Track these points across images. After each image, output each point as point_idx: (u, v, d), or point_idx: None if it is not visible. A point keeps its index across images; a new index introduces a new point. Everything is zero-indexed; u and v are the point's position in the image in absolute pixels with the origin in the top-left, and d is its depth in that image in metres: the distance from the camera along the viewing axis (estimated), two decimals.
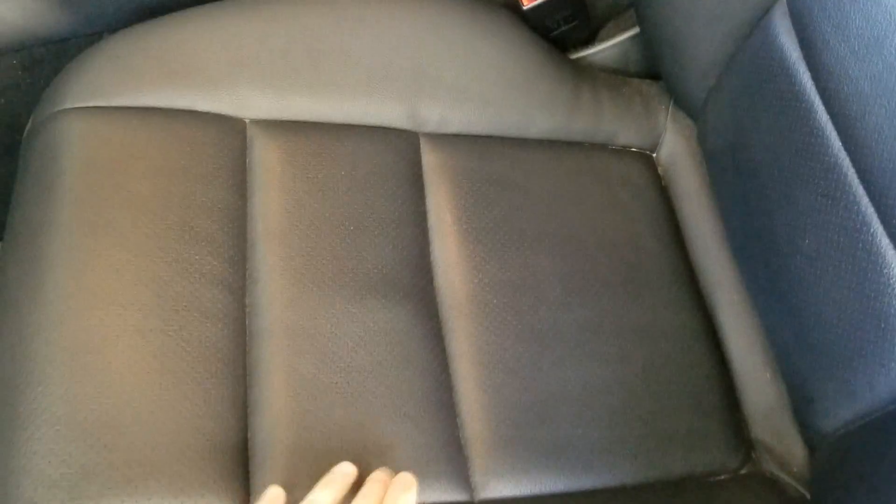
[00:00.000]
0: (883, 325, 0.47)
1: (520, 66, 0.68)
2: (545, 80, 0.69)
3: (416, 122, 0.64)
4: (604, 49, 0.76)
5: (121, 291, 0.50)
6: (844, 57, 0.46)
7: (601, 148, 0.71)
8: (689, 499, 0.57)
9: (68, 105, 0.56)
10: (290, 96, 0.61)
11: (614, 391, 0.58)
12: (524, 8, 0.71)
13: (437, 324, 0.57)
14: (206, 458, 0.47)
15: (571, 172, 0.67)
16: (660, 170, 0.73)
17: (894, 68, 0.43)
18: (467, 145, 0.65)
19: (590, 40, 0.79)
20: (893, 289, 0.46)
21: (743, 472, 0.60)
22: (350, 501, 0.45)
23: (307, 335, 0.53)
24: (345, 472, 0.48)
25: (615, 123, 0.71)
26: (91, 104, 0.56)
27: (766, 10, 0.54)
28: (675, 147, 0.72)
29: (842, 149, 0.48)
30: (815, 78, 0.50)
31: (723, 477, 0.59)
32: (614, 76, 0.76)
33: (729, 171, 0.62)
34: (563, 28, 0.75)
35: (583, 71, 0.74)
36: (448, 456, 0.52)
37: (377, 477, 0.47)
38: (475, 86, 0.66)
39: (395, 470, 0.48)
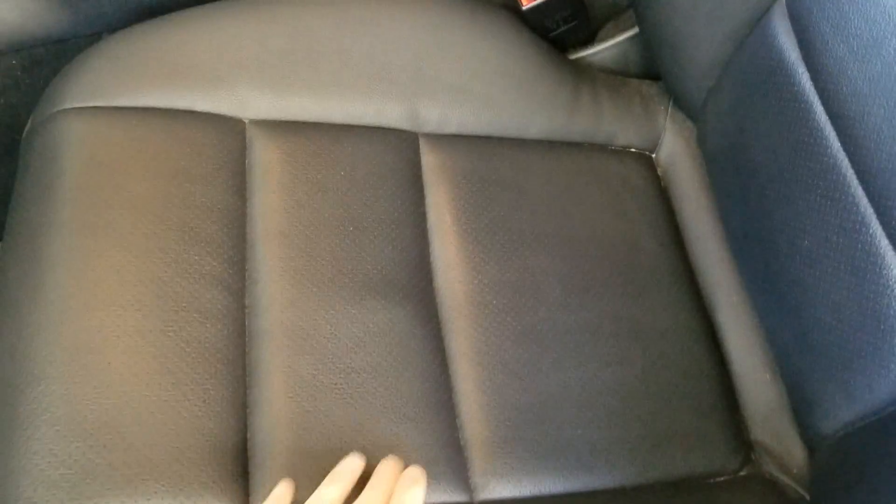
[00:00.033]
0: (882, 327, 0.47)
1: (519, 66, 0.68)
2: (545, 80, 0.69)
3: (416, 123, 0.64)
4: (603, 49, 0.76)
5: (120, 292, 0.50)
6: (843, 57, 0.46)
7: (601, 148, 0.71)
8: (689, 500, 0.57)
9: (68, 105, 0.56)
10: (289, 97, 0.61)
11: (614, 392, 0.58)
12: (523, 8, 0.71)
13: (436, 324, 0.57)
14: (206, 458, 0.47)
15: (571, 173, 0.67)
16: (659, 170, 0.73)
17: (893, 69, 0.43)
18: (467, 146, 0.65)
19: (589, 41, 0.79)
20: (892, 290, 0.46)
21: (742, 473, 0.60)
22: (359, 494, 0.45)
23: (306, 336, 0.53)
24: (352, 466, 0.48)
25: (615, 124, 0.71)
26: (90, 104, 0.56)
27: (766, 11, 0.54)
28: (674, 148, 0.72)
29: (841, 149, 0.48)
30: (814, 78, 0.50)
31: (722, 478, 0.59)
32: (614, 77, 0.76)
33: (728, 172, 0.62)
34: (563, 28, 0.75)
35: (582, 71, 0.74)
36: (447, 456, 0.52)
37: (385, 468, 0.48)
38: (475, 86, 0.66)
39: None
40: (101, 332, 0.48)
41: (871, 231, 0.47)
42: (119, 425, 0.46)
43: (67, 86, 0.58)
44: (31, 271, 0.51)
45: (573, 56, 0.77)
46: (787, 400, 0.61)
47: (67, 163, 0.54)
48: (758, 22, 0.55)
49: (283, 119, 0.61)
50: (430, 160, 0.64)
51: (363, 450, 0.50)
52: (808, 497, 0.58)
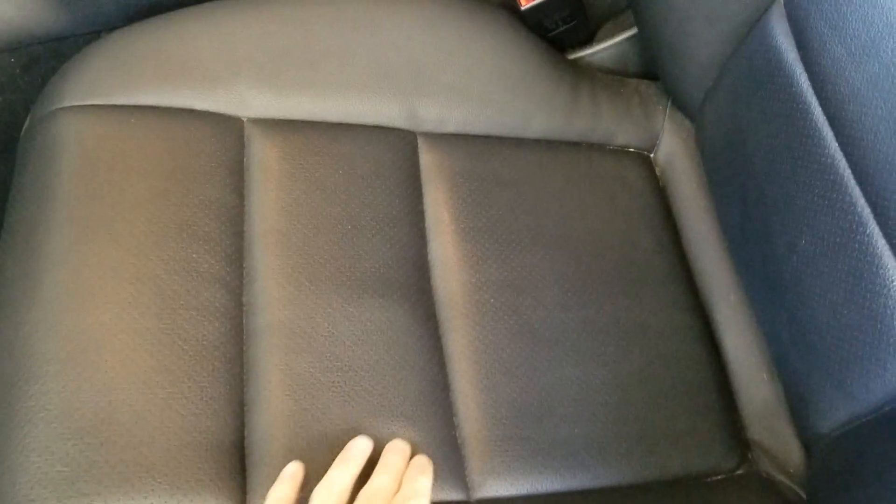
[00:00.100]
0: (879, 327, 0.47)
1: (518, 66, 0.68)
2: (543, 80, 0.69)
3: (414, 122, 0.64)
4: (602, 49, 0.76)
5: (118, 290, 0.50)
6: (841, 58, 0.46)
7: (599, 148, 0.71)
8: (686, 499, 0.57)
9: (66, 103, 0.56)
10: (288, 95, 0.61)
11: (611, 391, 0.58)
12: (522, 8, 0.71)
13: (433, 323, 0.57)
14: (203, 456, 0.47)
15: (569, 172, 0.67)
16: (657, 170, 0.73)
17: (890, 70, 0.43)
18: (465, 145, 0.65)
19: (588, 41, 0.79)
20: (889, 290, 0.46)
21: (739, 472, 0.60)
22: (366, 476, 0.47)
23: (304, 334, 0.53)
24: (360, 447, 0.48)
25: (613, 124, 0.71)
26: (89, 102, 0.56)
27: (764, 12, 0.54)
28: (672, 147, 0.72)
29: (838, 150, 0.48)
30: (812, 79, 0.50)
31: (719, 477, 0.59)
32: (612, 77, 0.76)
33: (726, 172, 0.63)
34: (562, 28, 0.75)
35: (581, 71, 0.74)
36: (444, 455, 0.52)
37: (394, 453, 0.49)
38: (473, 85, 0.66)
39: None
40: (99, 330, 0.48)
41: (868, 231, 0.47)
42: (116, 423, 0.46)
43: (66, 84, 0.58)
44: (29, 269, 0.51)
45: (572, 56, 0.77)
46: (784, 399, 0.61)
47: (65, 161, 0.54)
48: (756, 23, 0.55)
49: (281, 118, 0.61)
50: (428, 159, 0.64)
51: None
52: (804, 496, 0.58)
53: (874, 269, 0.47)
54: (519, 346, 0.58)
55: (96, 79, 0.58)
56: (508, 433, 0.54)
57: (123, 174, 0.54)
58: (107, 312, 0.49)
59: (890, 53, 0.43)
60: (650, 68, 0.77)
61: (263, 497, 0.48)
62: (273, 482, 0.48)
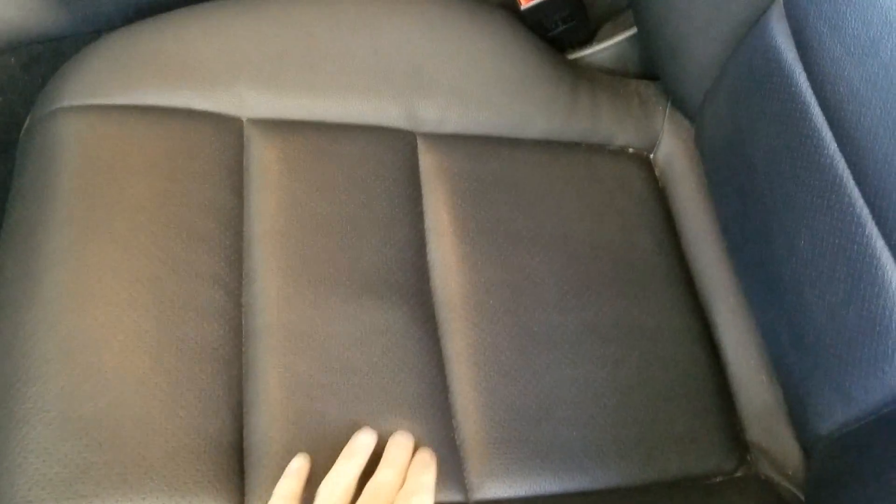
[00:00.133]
0: (877, 328, 0.47)
1: (517, 66, 0.68)
2: (543, 80, 0.69)
3: (414, 123, 0.64)
4: (602, 49, 0.76)
5: (117, 290, 0.50)
6: (840, 58, 0.46)
7: (598, 149, 0.71)
8: (684, 501, 0.57)
9: (66, 103, 0.56)
10: (287, 96, 0.61)
11: (609, 393, 0.58)
12: (522, 8, 0.71)
13: (433, 324, 0.57)
14: (202, 457, 0.47)
15: (568, 173, 0.67)
16: (657, 171, 0.73)
17: (889, 70, 0.43)
18: (465, 145, 0.65)
19: (588, 41, 0.79)
20: (888, 291, 0.46)
21: (738, 474, 0.60)
22: (372, 469, 0.47)
23: (303, 335, 0.53)
24: (364, 442, 0.49)
25: (613, 124, 0.71)
26: (88, 102, 0.56)
27: (763, 12, 0.54)
28: (672, 148, 0.72)
29: (837, 150, 0.48)
30: (811, 79, 0.50)
31: (718, 479, 0.59)
32: (612, 77, 0.76)
33: (725, 173, 0.63)
34: (561, 28, 0.75)
35: (581, 71, 0.74)
36: (443, 456, 0.52)
37: (397, 446, 0.49)
38: (473, 86, 0.66)
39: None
40: (98, 331, 0.48)
41: (867, 232, 0.47)
42: (115, 424, 0.46)
43: (66, 84, 0.58)
44: (28, 269, 0.51)
45: (571, 56, 0.77)
46: (783, 401, 0.61)
47: (65, 161, 0.54)
48: (755, 23, 0.55)
49: (280, 118, 0.61)
50: (427, 160, 0.64)
51: None
52: (803, 498, 0.58)
53: (873, 271, 0.46)
54: (518, 348, 0.57)
55: (96, 79, 0.58)
56: (507, 435, 0.54)
57: (123, 174, 0.54)
58: (106, 313, 0.49)
59: (889, 53, 0.43)
60: (650, 69, 0.77)
61: (262, 498, 0.48)
62: (271, 483, 0.48)
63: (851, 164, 0.47)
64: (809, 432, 0.56)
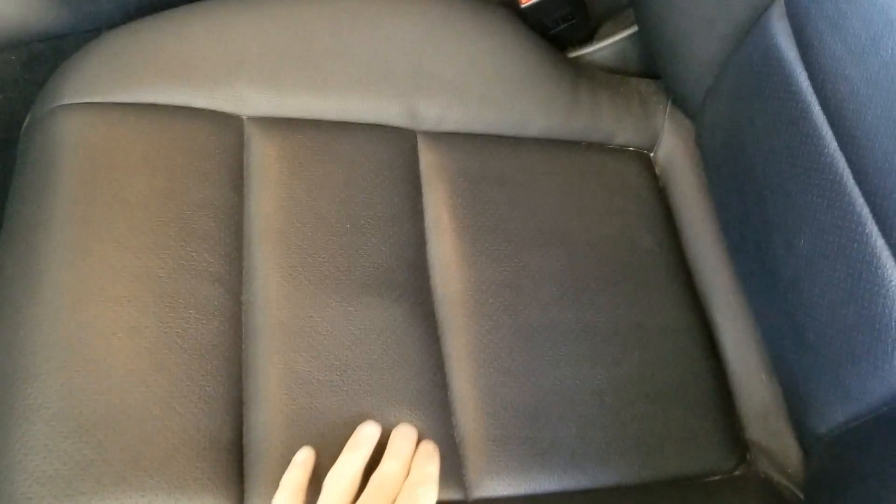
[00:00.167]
0: (877, 327, 0.47)
1: (518, 64, 0.68)
2: (543, 78, 0.69)
3: (414, 121, 0.64)
4: (602, 48, 0.76)
5: (117, 287, 0.50)
6: (841, 57, 0.46)
7: (599, 147, 0.71)
8: (684, 500, 0.57)
9: (66, 101, 0.56)
10: (287, 93, 0.61)
11: (609, 391, 0.58)
12: (522, 6, 0.71)
13: (432, 322, 0.57)
14: (201, 455, 0.47)
15: (569, 172, 0.67)
16: (657, 169, 0.73)
17: (890, 68, 0.43)
18: (465, 144, 0.65)
19: (588, 39, 0.79)
20: (888, 290, 0.46)
21: (737, 473, 0.60)
22: (377, 460, 0.48)
23: (303, 333, 0.53)
24: (369, 433, 0.49)
25: (613, 123, 0.71)
26: (89, 100, 0.56)
27: (764, 11, 0.54)
28: (672, 147, 0.72)
29: (837, 149, 0.48)
30: (812, 78, 0.50)
31: (717, 478, 0.59)
32: (612, 75, 0.76)
33: (725, 171, 0.62)
34: (562, 26, 0.75)
35: (581, 70, 0.74)
36: (442, 454, 0.52)
37: (402, 438, 0.50)
38: (473, 84, 0.66)
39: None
40: (98, 328, 0.48)
41: (866, 231, 0.47)
42: (114, 421, 0.46)
43: (66, 82, 0.58)
44: (28, 267, 0.51)
45: (572, 54, 0.77)
46: (782, 400, 0.61)
47: (65, 159, 0.54)
48: (756, 21, 0.55)
49: (281, 116, 0.61)
50: (428, 158, 0.64)
51: None
52: (802, 497, 0.58)
53: (872, 270, 0.46)
54: (517, 346, 0.57)
55: (96, 77, 0.58)
56: (506, 433, 0.54)
57: (123, 172, 0.54)
58: (106, 311, 0.49)
59: (889, 52, 0.43)
60: (650, 67, 0.77)
61: (261, 495, 0.48)
62: (271, 480, 0.48)
63: (851, 163, 0.47)
64: (809, 431, 0.56)
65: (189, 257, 0.53)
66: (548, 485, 0.54)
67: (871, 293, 0.47)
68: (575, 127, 0.70)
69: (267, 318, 0.53)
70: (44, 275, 0.50)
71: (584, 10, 0.76)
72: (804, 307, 0.53)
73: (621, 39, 0.76)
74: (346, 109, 0.62)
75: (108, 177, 0.53)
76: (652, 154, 0.73)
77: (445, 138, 0.65)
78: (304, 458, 0.48)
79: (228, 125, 0.59)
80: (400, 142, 0.63)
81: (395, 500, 0.46)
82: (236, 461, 0.49)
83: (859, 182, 0.47)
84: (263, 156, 0.59)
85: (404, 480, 0.47)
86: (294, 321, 0.53)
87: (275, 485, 0.48)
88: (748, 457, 0.61)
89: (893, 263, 0.45)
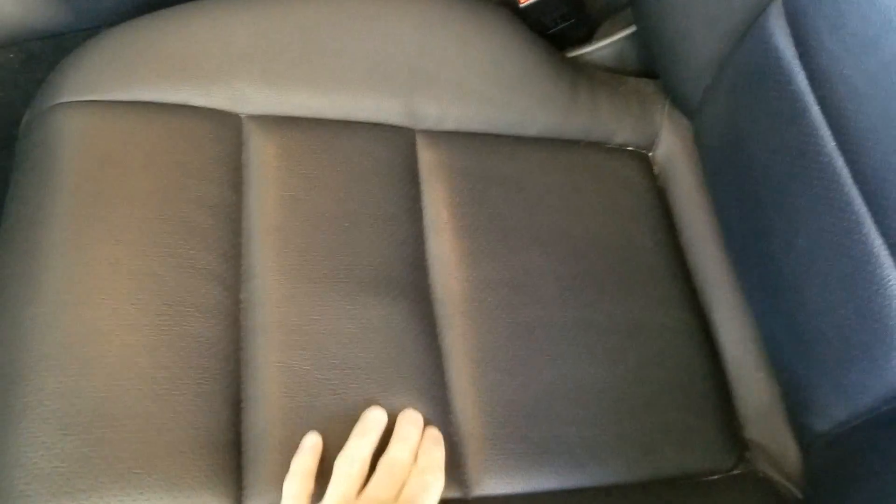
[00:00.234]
0: (876, 326, 0.47)
1: (517, 63, 0.68)
2: (542, 78, 0.69)
3: (413, 119, 0.64)
4: (601, 47, 0.76)
5: (115, 286, 0.50)
6: (839, 57, 0.46)
7: (597, 146, 0.71)
8: (682, 498, 0.57)
9: (65, 99, 0.56)
10: (286, 92, 0.61)
11: (608, 389, 0.58)
12: (521, 5, 0.71)
13: (431, 321, 0.57)
14: (199, 453, 0.47)
15: (567, 171, 0.67)
16: (656, 169, 0.73)
17: (888, 68, 0.43)
18: (464, 142, 0.65)
19: (587, 39, 0.79)
20: (886, 289, 0.46)
21: (736, 471, 0.60)
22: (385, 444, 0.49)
23: (301, 331, 0.53)
24: (377, 418, 0.50)
25: (612, 122, 0.71)
26: (87, 98, 0.56)
27: (762, 10, 0.54)
28: (671, 146, 0.72)
29: (836, 149, 0.48)
30: (811, 78, 0.50)
31: (716, 477, 0.59)
32: (611, 75, 0.76)
33: (724, 171, 0.63)
34: (561, 26, 0.75)
35: (580, 69, 0.74)
36: None
37: (408, 422, 0.51)
38: (472, 83, 0.66)
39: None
40: (96, 326, 0.48)
41: (865, 230, 0.47)
42: (113, 419, 0.46)
43: (65, 79, 0.58)
44: (27, 264, 0.51)
45: (571, 54, 0.77)
46: (781, 399, 0.61)
47: (64, 156, 0.54)
48: (755, 21, 0.55)
49: (279, 114, 0.61)
50: (427, 157, 0.64)
51: None
52: (801, 496, 0.58)
53: (871, 269, 0.46)
54: (516, 345, 0.58)
55: (95, 74, 0.58)
56: (505, 431, 0.54)
57: (121, 170, 0.54)
58: (104, 309, 0.49)
59: (888, 51, 0.43)
60: (649, 67, 0.77)
61: (260, 493, 0.48)
62: (269, 479, 0.48)
63: (850, 163, 0.47)
64: (808, 430, 0.56)
65: (187, 255, 0.53)
66: (546, 483, 0.54)
67: (870, 292, 0.47)
68: (574, 126, 0.70)
69: (265, 316, 0.53)
70: (42, 273, 0.50)
71: (583, 9, 0.76)
72: (803, 306, 0.53)
73: (620, 39, 0.76)
74: (344, 108, 0.62)
75: (106, 175, 0.53)
76: (650, 153, 0.73)
77: (444, 137, 0.65)
78: (313, 443, 0.48)
79: (227, 123, 0.59)
80: (399, 140, 0.63)
81: (404, 486, 0.47)
82: (234, 459, 0.49)
83: (858, 181, 0.47)
84: (262, 154, 0.59)
85: (412, 465, 0.48)
86: (292, 319, 0.53)
87: (273, 482, 0.48)
88: (747, 456, 0.62)
89: (891, 262, 0.46)
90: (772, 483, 0.60)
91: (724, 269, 0.66)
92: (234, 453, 0.49)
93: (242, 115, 0.60)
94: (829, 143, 0.49)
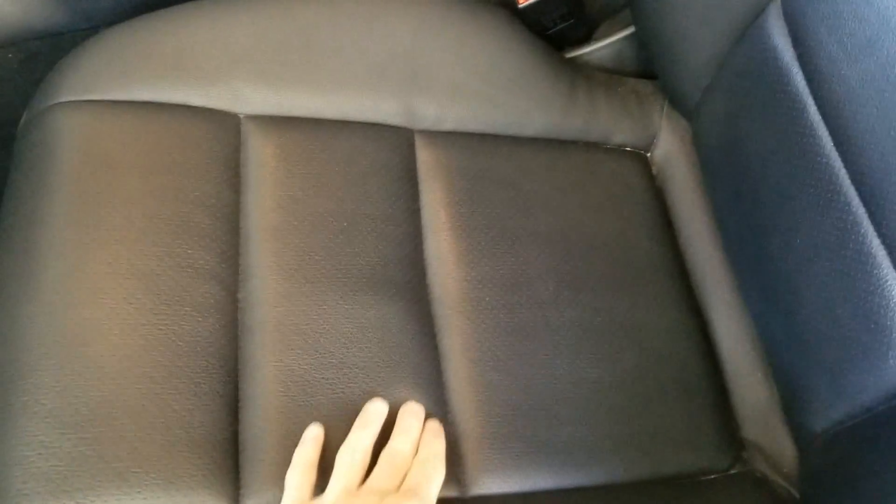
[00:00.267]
0: (873, 326, 0.47)
1: (515, 64, 0.68)
2: (541, 78, 0.69)
3: (412, 119, 0.64)
4: (599, 48, 0.76)
5: (113, 285, 0.50)
6: (837, 58, 0.46)
7: (596, 147, 0.71)
8: (679, 498, 0.57)
9: (63, 99, 0.56)
10: (284, 92, 0.61)
11: (605, 389, 0.58)
12: (520, 6, 0.71)
13: (429, 321, 0.57)
14: (197, 452, 0.47)
15: (566, 171, 0.67)
16: (654, 169, 0.73)
17: (886, 69, 0.43)
18: (462, 143, 0.65)
19: (585, 39, 0.79)
20: (883, 289, 0.46)
21: (733, 471, 0.60)
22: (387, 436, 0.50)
23: (299, 331, 0.53)
24: (378, 410, 0.51)
25: (610, 123, 0.71)
26: (86, 98, 0.56)
27: (761, 11, 0.54)
28: (669, 147, 0.72)
29: (834, 149, 0.48)
30: (809, 79, 0.50)
31: (713, 476, 0.59)
32: (610, 75, 0.76)
33: (722, 171, 0.63)
34: (559, 27, 0.75)
35: (578, 70, 0.74)
36: None
37: (411, 410, 0.51)
38: (471, 83, 0.66)
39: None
40: (94, 325, 0.48)
41: (862, 231, 0.47)
42: (110, 418, 0.46)
43: (63, 79, 0.58)
44: (25, 263, 0.51)
45: (569, 54, 0.77)
46: (778, 398, 0.61)
47: (62, 156, 0.54)
48: (753, 22, 0.55)
49: (278, 114, 0.61)
50: (425, 157, 0.64)
51: None
52: (798, 495, 0.58)
53: (868, 269, 0.47)
54: (514, 344, 0.58)
55: (93, 74, 0.58)
56: (503, 431, 0.54)
57: (120, 170, 0.54)
58: (102, 308, 0.49)
59: (885, 52, 0.43)
60: (647, 67, 0.77)
61: (257, 492, 0.48)
62: (266, 478, 0.48)
63: (848, 163, 0.47)
64: (804, 430, 0.56)
65: (185, 255, 0.53)
66: (544, 482, 0.54)
67: (867, 292, 0.47)
68: (572, 127, 0.70)
69: (263, 315, 0.53)
70: (40, 272, 0.50)
71: (582, 10, 0.76)
72: (800, 306, 0.53)
73: (619, 40, 0.76)
74: (343, 108, 0.62)
75: (104, 174, 0.53)
76: (649, 154, 0.73)
77: (442, 137, 0.65)
78: (314, 434, 0.49)
79: (225, 123, 0.59)
80: (397, 140, 0.63)
81: (406, 476, 0.47)
82: (232, 458, 0.49)
83: (855, 182, 0.47)
84: (260, 154, 0.59)
85: (413, 457, 0.49)
86: (290, 319, 0.53)
87: (270, 481, 0.48)
88: (744, 455, 0.62)
89: (889, 262, 0.46)
90: (769, 482, 0.60)
91: (722, 270, 0.66)
92: (231, 452, 0.49)
93: (241, 115, 0.60)
94: (827, 143, 0.49)
